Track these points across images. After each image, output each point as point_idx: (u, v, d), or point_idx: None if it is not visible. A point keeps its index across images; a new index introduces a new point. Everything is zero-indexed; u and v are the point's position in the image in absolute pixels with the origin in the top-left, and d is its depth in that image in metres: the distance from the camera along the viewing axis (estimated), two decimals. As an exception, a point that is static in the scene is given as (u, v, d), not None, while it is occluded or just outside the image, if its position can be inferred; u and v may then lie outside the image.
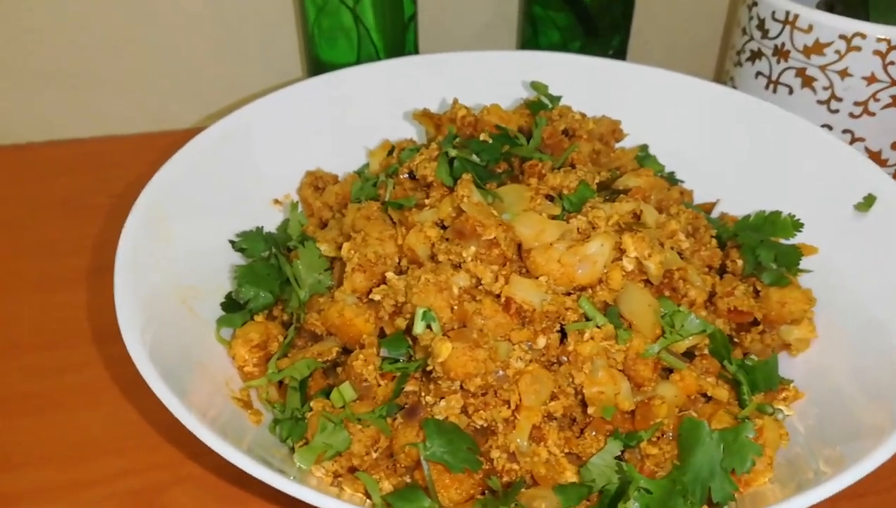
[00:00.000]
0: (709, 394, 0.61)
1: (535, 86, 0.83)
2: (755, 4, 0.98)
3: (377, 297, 0.63)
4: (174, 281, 0.68)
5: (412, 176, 0.72)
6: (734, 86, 1.05)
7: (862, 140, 0.94)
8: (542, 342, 0.59)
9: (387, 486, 0.58)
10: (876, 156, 0.95)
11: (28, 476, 0.67)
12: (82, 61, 1.10)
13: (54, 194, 1.02)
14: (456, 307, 0.59)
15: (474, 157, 0.67)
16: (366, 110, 0.92)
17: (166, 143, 1.12)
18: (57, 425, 0.72)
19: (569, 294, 0.62)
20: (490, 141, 0.69)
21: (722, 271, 0.72)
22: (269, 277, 0.71)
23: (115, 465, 0.69)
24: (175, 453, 0.70)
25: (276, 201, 0.85)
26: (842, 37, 0.89)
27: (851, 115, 0.93)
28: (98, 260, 0.90)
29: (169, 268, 0.68)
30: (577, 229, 0.63)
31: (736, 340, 0.69)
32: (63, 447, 0.70)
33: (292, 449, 0.60)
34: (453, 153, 0.67)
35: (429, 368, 0.57)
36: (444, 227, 0.65)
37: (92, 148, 1.13)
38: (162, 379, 0.53)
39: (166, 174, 0.75)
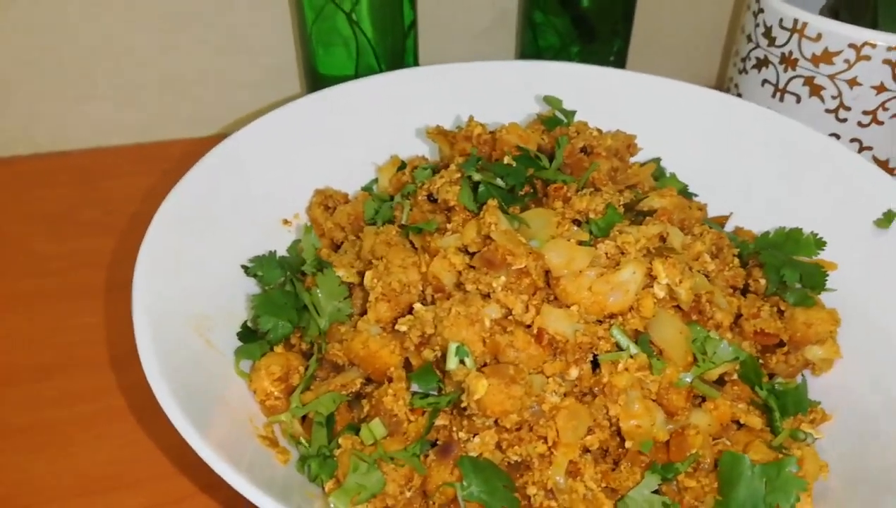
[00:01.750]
0: (742, 422, 0.61)
1: (549, 100, 0.81)
2: (761, 11, 0.98)
3: (403, 328, 0.62)
4: (191, 313, 0.66)
5: (431, 198, 0.70)
6: (739, 94, 1.05)
7: (870, 149, 0.94)
8: (574, 373, 0.58)
9: (420, 525, 0.57)
10: (884, 165, 0.95)
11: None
12: (73, 73, 1.07)
13: (43, 208, 0.99)
14: (487, 339, 0.58)
15: (498, 181, 0.66)
16: (370, 125, 0.90)
17: (156, 154, 1.10)
18: (63, 459, 0.70)
19: (599, 322, 0.61)
20: (514, 164, 0.68)
21: (744, 290, 0.72)
22: (286, 306, 0.69)
23: (128, 501, 0.67)
24: (189, 485, 0.68)
25: (286, 221, 0.83)
26: (851, 45, 0.89)
27: (860, 124, 0.93)
28: (114, 277, 0.88)
29: (185, 299, 0.66)
30: (606, 254, 0.62)
31: (761, 361, 0.68)
32: (71, 482, 0.68)
33: (323, 489, 0.58)
34: (477, 177, 0.66)
35: (463, 405, 0.56)
36: (468, 253, 0.64)
37: (79, 160, 1.10)
38: (182, 412, 0.52)
39: (175, 198, 0.72)
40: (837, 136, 0.94)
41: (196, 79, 1.12)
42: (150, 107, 1.12)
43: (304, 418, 0.65)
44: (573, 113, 0.81)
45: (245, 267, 0.74)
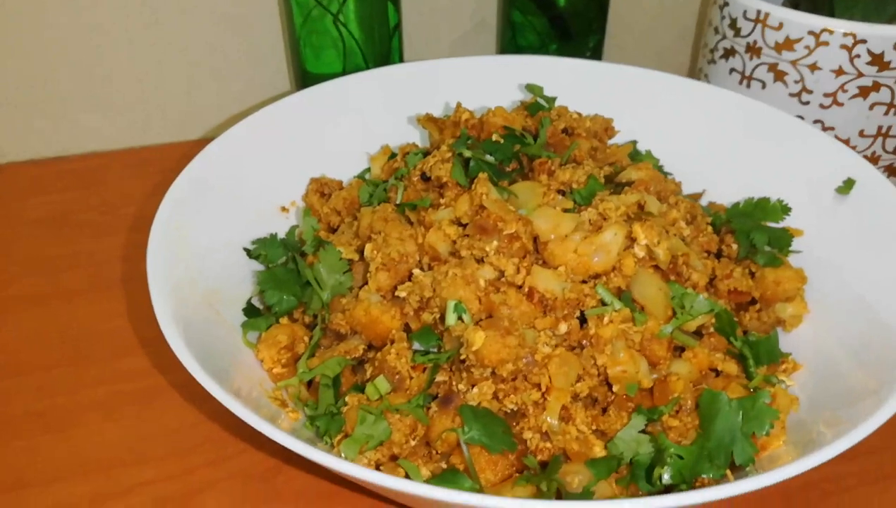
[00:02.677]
0: (719, 369, 0.65)
1: (531, 88, 0.86)
2: (726, 4, 1.04)
3: (403, 294, 0.66)
4: (201, 288, 0.69)
5: (424, 177, 0.75)
6: (709, 83, 1.11)
7: (832, 129, 1.00)
8: (563, 328, 0.63)
9: (425, 473, 0.61)
10: (845, 144, 1.01)
11: (54, 492, 0.68)
12: (64, 78, 1.10)
13: (43, 213, 1.02)
14: (483, 298, 0.62)
15: (487, 157, 0.71)
16: (361, 118, 0.94)
17: (151, 157, 1.14)
18: (83, 437, 0.73)
19: (584, 282, 0.65)
20: (501, 141, 0.73)
21: (718, 255, 0.77)
22: (290, 281, 0.73)
23: (147, 474, 0.70)
24: (205, 458, 0.71)
25: (283, 208, 0.87)
26: (811, 33, 0.95)
27: (822, 106, 0.99)
28: (129, 270, 0.91)
29: (194, 277, 0.70)
30: (589, 221, 0.66)
31: (735, 319, 0.73)
32: (87, 461, 0.70)
33: (332, 445, 0.62)
34: (468, 154, 0.71)
35: (461, 357, 0.60)
36: (460, 225, 0.69)
37: (77, 165, 1.13)
38: (213, 379, 0.55)
39: (178, 189, 0.76)
40: (802, 118, 1.00)
41: (189, 82, 1.16)
42: (144, 111, 1.16)
43: (309, 384, 0.69)
44: (554, 99, 0.86)
45: (247, 250, 0.78)
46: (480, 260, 0.65)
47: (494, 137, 0.73)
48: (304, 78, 1.11)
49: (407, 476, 0.60)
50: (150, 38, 1.10)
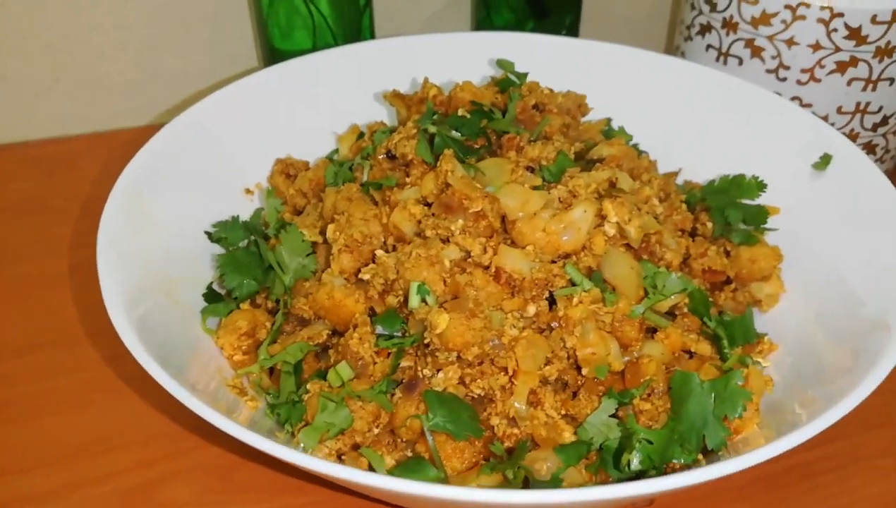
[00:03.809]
0: (692, 350, 0.64)
1: (502, 63, 0.84)
2: (703, -21, 1.02)
3: (366, 277, 0.64)
4: (155, 275, 0.67)
5: (390, 155, 0.72)
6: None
7: (809, 106, 0.99)
8: (532, 309, 0.61)
9: (389, 461, 0.59)
10: (823, 121, 0.99)
11: (20, 482, 0.66)
12: (23, 60, 1.06)
13: (6, 199, 0.99)
14: (448, 280, 0.60)
15: (454, 133, 0.68)
16: (330, 96, 0.91)
17: (120, 142, 1.10)
18: (45, 429, 0.70)
19: (554, 262, 0.63)
20: (468, 116, 0.70)
21: (693, 234, 0.75)
22: (251, 265, 0.70)
23: (109, 466, 0.67)
24: (167, 449, 0.69)
25: (248, 190, 0.84)
26: (787, 6, 0.93)
27: (799, 82, 0.97)
28: (77, 261, 0.88)
29: (149, 262, 0.67)
30: (559, 198, 0.64)
31: (710, 299, 0.72)
32: (54, 450, 0.68)
33: (292, 434, 0.60)
34: (433, 130, 0.68)
35: (426, 341, 0.58)
36: (427, 204, 0.66)
37: (40, 151, 1.09)
38: (164, 370, 0.52)
39: (134, 169, 0.73)
40: (779, 95, 0.99)
41: (150, 58, 1.12)
42: (108, 95, 1.12)
43: (271, 372, 0.66)
44: (525, 75, 0.83)
45: (208, 233, 0.76)
46: (446, 240, 0.62)
47: (461, 113, 0.71)
48: (273, 55, 1.08)
49: (370, 466, 0.58)
50: (115, 23, 1.06)
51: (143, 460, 0.67)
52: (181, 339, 0.63)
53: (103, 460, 0.67)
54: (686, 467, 0.55)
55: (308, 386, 0.61)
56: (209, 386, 0.60)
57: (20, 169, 1.05)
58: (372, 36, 1.10)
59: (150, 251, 0.69)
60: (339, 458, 0.59)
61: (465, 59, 0.95)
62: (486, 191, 0.63)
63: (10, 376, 0.75)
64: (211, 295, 0.71)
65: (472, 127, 0.69)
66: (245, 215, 0.81)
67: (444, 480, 0.56)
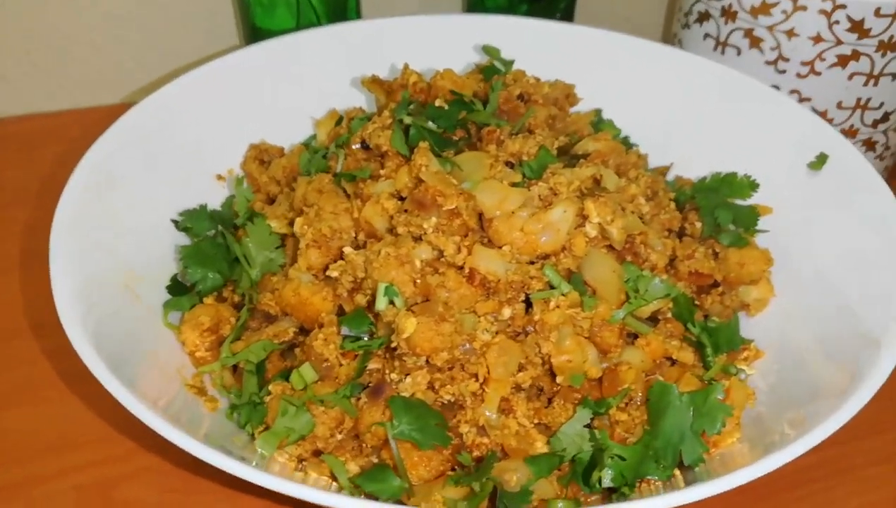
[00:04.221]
0: (674, 358, 0.61)
1: (488, 50, 0.80)
2: (702, -36, 0.98)
3: (335, 274, 0.61)
4: (115, 265, 0.64)
5: (365, 146, 0.69)
6: (682, 49, 1.05)
7: (809, 100, 0.95)
8: (507, 313, 0.58)
9: (353, 468, 0.56)
10: (822, 116, 0.96)
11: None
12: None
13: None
14: (419, 280, 0.57)
15: (430, 124, 0.65)
16: (310, 78, 0.88)
17: (93, 120, 1.05)
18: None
19: (532, 263, 0.60)
20: (446, 107, 0.67)
21: (681, 234, 0.72)
22: (216, 257, 0.67)
23: (65, 461, 0.65)
24: (128, 445, 0.66)
25: (220, 177, 0.80)
26: (788, -4, 0.89)
27: (798, 75, 0.94)
28: (29, 246, 0.84)
29: (108, 252, 0.64)
30: (539, 196, 0.61)
31: (696, 303, 0.69)
32: (8, 445, 0.66)
33: (252, 436, 0.57)
34: (408, 120, 0.65)
35: (393, 345, 0.55)
36: (401, 199, 0.63)
37: (10, 129, 1.05)
38: (109, 369, 0.50)
39: (99, 151, 0.70)
40: (777, 88, 0.95)
41: (129, 40, 1.08)
42: (80, 71, 1.08)
43: (235, 369, 0.64)
44: (511, 62, 0.80)
45: (175, 222, 0.72)
46: (418, 239, 0.59)
47: (439, 103, 0.67)
48: (255, 34, 1.04)
49: (332, 473, 0.55)
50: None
51: (101, 457, 0.65)
52: (139, 337, 0.61)
53: (59, 456, 0.65)
54: (662, 484, 0.52)
55: (270, 388, 0.58)
56: (167, 388, 0.57)
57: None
58: (358, 16, 1.06)
59: (112, 239, 0.65)
60: (300, 464, 0.56)
61: (453, 42, 0.91)
62: (462, 187, 0.60)
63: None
64: (176, 288, 0.68)
65: (450, 118, 0.66)
66: (217, 203, 0.78)
67: (408, 489, 0.53)
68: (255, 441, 0.55)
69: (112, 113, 0.79)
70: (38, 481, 0.63)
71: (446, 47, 0.90)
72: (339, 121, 0.81)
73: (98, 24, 1.05)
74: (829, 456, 0.67)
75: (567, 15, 1.14)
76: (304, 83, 0.87)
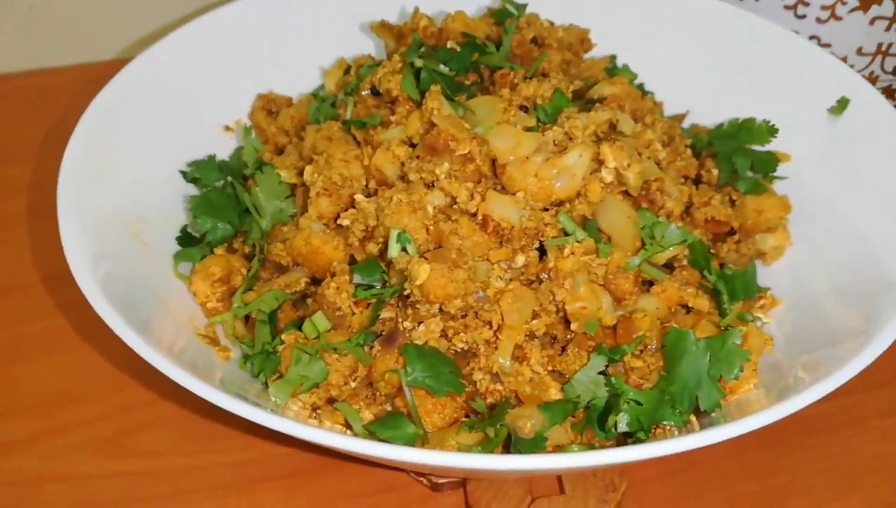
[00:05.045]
0: (690, 305, 0.60)
1: (499, -8, 0.78)
2: None
3: (346, 222, 0.60)
4: (123, 216, 0.63)
5: (375, 92, 0.68)
6: (699, -6, 1.02)
7: (828, 46, 0.92)
8: (521, 260, 0.57)
9: (367, 416, 0.56)
10: (842, 62, 0.93)
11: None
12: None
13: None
14: (431, 227, 0.56)
15: (442, 67, 0.63)
16: (316, 26, 0.85)
17: (91, 76, 1.03)
18: (15, 376, 0.68)
19: (546, 210, 0.59)
20: (458, 49, 0.65)
21: (697, 181, 0.71)
22: (226, 207, 0.66)
23: (82, 413, 0.65)
24: (143, 395, 0.67)
25: (227, 127, 0.79)
26: (810, -64, 0.86)
27: (818, 20, 0.91)
28: (35, 201, 0.83)
29: (116, 202, 0.63)
30: (554, 141, 0.60)
31: (712, 251, 0.68)
32: (26, 398, 0.66)
33: (266, 385, 0.57)
34: (419, 63, 0.63)
35: (406, 292, 0.55)
36: (412, 145, 0.62)
37: (10, 84, 1.03)
38: (122, 318, 0.50)
39: (103, 102, 0.69)
40: (797, 33, 0.92)
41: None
42: (80, 22, 1.06)
43: (247, 320, 0.64)
44: (524, 6, 0.78)
45: (183, 173, 0.72)
46: (430, 185, 0.58)
47: (450, 45, 0.66)
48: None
49: (346, 421, 0.55)
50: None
51: (115, 408, 0.66)
52: (150, 287, 0.60)
53: (74, 408, 0.65)
54: (676, 429, 0.52)
55: (283, 337, 0.58)
56: (178, 338, 0.57)
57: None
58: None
59: (119, 191, 0.65)
60: (315, 412, 0.56)
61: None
62: (475, 131, 0.59)
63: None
64: (185, 239, 0.67)
65: (463, 61, 0.64)
66: (225, 154, 0.77)
67: (423, 436, 0.53)
68: (268, 390, 0.55)
69: (110, 68, 0.78)
70: (52, 435, 0.64)
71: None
72: (347, 70, 0.80)
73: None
74: (844, 405, 0.67)
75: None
76: (311, 32, 0.85)
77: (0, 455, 0.62)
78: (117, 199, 0.64)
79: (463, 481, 0.60)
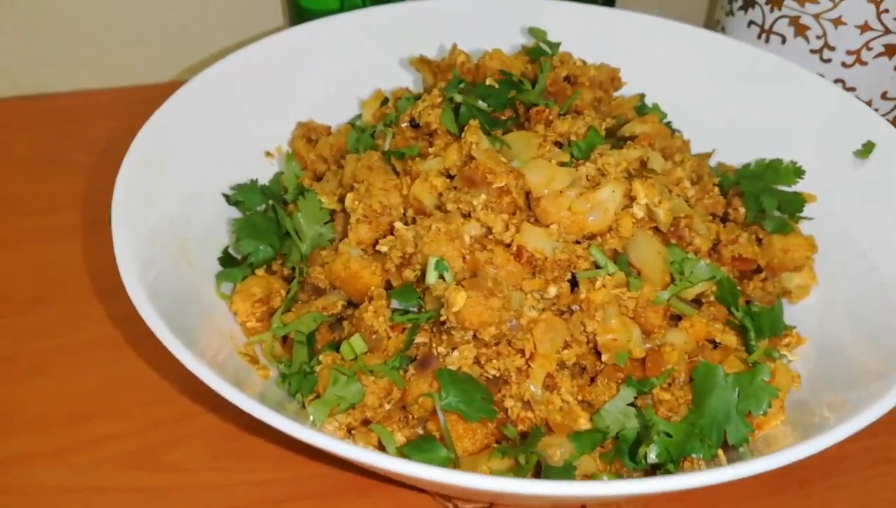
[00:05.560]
0: (717, 340, 0.61)
1: (534, 32, 0.81)
2: (749, -49, 0.97)
3: (384, 249, 0.62)
4: (171, 233, 0.66)
5: (413, 124, 0.70)
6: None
7: (853, 90, 0.94)
8: (553, 291, 0.59)
9: (400, 438, 0.58)
10: (867, 106, 0.95)
11: (23, 441, 0.65)
12: (49, 12, 1.04)
13: (27, 150, 0.98)
14: (467, 256, 0.58)
15: (480, 103, 0.66)
16: (355, 59, 0.89)
17: (140, 98, 1.08)
18: (50, 387, 0.70)
19: (578, 242, 0.61)
20: (496, 86, 0.68)
21: (724, 219, 0.73)
22: (268, 230, 0.69)
23: (114, 426, 0.67)
24: (174, 412, 0.68)
25: (268, 153, 0.82)
26: (837, -17, 0.89)
27: (844, 65, 0.93)
28: (90, 215, 0.87)
29: (164, 220, 0.66)
30: (587, 176, 0.62)
31: (738, 288, 0.69)
32: (58, 409, 0.68)
33: (303, 405, 0.59)
34: (459, 99, 0.66)
35: (442, 318, 0.56)
36: (449, 177, 0.64)
37: (62, 103, 1.07)
38: (170, 330, 0.51)
39: (157, 122, 0.72)
40: (822, 77, 0.94)
41: (174, 16, 1.10)
42: (131, 49, 1.10)
43: (284, 340, 0.65)
44: (558, 44, 0.80)
45: (226, 196, 0.74)
46: (467, 215, 0.60)
47: (489, 82, 0.68)
48: (299, 14, 1.05)
49: (379, 442, 0.57)
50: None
51: (149, 423, 0.67)
52: (194, 303, 0.62)
53: (107, 421, 0.67)
54: (705, 462, 0.53)
55: (321, 358, 0.60)
56: (220, 352, 0.59)
57: (37, 121, 1.03)
58: (401, -1, 1.07)
59: (167, 211, 0.67)
60: (349, 433, 0.58)
61: (496, 24, 0.91)
62: (512, 165, 0.61)
63: (15, 331, 0.74)
64: (226, 260, 0.70)
65: (500, 97, 0.66)
66: (264, 179, 0.79)
67: (454, 460, 0.55)
68: (306, 409, 0.57)
69: (158, 91, 0.82)
70: (83, 447, 0.65)
71: (490, 30, 0.91)
72: (384, 102, 0.83)
73: (144, 4, 1.07)
74: (867, 446, 0.67)
75: (609, 1, 1.14)
76: (351, 63, 0.88)
77: (29, 466, 0.63)
78: (165, 217, 0.66)
79: (489, 506, 0.61)
